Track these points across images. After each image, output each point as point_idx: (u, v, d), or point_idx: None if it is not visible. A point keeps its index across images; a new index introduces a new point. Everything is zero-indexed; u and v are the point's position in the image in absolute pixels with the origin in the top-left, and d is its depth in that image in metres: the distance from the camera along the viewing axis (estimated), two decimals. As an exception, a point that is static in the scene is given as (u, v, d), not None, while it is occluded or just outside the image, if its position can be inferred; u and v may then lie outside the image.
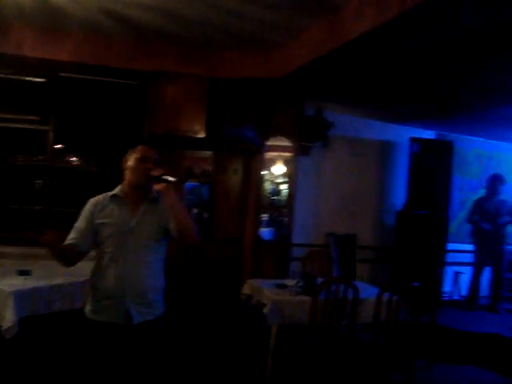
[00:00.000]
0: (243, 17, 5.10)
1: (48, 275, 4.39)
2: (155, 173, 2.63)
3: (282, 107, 6.51)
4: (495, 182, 7.92)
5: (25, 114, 6.22)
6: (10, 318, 3.80)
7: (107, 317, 2.66)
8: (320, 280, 4.61)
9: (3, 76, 6.09)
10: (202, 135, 6.18)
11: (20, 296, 3.89)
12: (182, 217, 2.65)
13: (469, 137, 8.72)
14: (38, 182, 6.37)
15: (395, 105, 7.39)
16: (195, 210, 6.76)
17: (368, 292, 4.81)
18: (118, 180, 2.92)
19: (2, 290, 3.92)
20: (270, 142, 6.57)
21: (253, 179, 6.67)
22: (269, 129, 6.49)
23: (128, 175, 2.79)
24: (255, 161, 6.64)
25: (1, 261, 5.83)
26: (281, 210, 6.97)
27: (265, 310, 4.50)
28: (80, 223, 2.76)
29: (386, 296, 4.34)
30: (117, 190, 2.80)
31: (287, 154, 6.79)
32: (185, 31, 5.70)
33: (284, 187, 7.03)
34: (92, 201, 2.81)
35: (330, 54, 5.05)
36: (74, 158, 6.52)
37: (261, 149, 6.51)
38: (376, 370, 4.57)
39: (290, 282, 5.04)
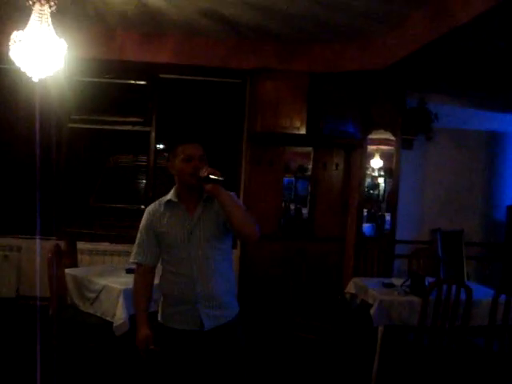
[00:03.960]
0: (341, 9, 4.97)
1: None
2: (202, 174, 2.48)
3: (383, 99, 6.27)
4: None
5: (128, 116, 6.43)
6: (120, 315, 3.92)
7: (180, 323, 2.62)
8: (428, 279, 4.42)
9: (108, 80, 6.32)
10: (302, 131, 6.13)
11: (130, 294, 3.99)
12: (239, 214, 2.51)
13: None
14: (141, 181, 6.58)
15: (503, 92, 6.96)
16: (293, 206, 6.72)
17: (481, 293, 4.56)
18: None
19: (112, 288, 4.05)
20: (371, 136, 6.36)
21: (354, 174, 6.51)
22: (370, 122, 6.29)
23: (178, 178, 2.67)
24: (356, 155, 6.46)
25: (109, 258, 6.10)
26: (380, 205, 6.77)
27: (371, 310, 4.36)
28: (143, 237, 2.71)
29: (502, 298, 4.08)
30: (171, 195, 2.70)
31: (389, 148, 6.55)
32: (283, 27, 5.65)
33: (383, 181, 6.82)
34: (148, 210, 2.73)
35: (434, 42, 4.80)
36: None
37: (362, 143, 6.33)
38: (491, 378, 4.30)
39: (396, 281, 4.87)
